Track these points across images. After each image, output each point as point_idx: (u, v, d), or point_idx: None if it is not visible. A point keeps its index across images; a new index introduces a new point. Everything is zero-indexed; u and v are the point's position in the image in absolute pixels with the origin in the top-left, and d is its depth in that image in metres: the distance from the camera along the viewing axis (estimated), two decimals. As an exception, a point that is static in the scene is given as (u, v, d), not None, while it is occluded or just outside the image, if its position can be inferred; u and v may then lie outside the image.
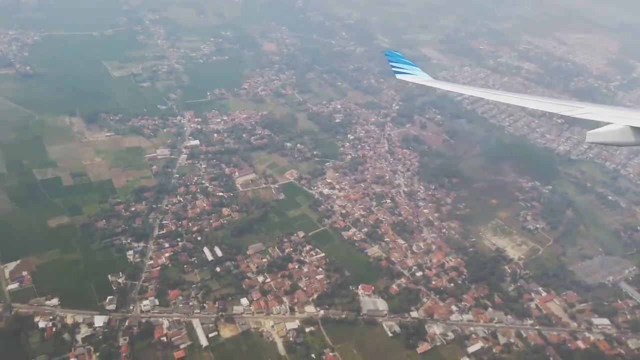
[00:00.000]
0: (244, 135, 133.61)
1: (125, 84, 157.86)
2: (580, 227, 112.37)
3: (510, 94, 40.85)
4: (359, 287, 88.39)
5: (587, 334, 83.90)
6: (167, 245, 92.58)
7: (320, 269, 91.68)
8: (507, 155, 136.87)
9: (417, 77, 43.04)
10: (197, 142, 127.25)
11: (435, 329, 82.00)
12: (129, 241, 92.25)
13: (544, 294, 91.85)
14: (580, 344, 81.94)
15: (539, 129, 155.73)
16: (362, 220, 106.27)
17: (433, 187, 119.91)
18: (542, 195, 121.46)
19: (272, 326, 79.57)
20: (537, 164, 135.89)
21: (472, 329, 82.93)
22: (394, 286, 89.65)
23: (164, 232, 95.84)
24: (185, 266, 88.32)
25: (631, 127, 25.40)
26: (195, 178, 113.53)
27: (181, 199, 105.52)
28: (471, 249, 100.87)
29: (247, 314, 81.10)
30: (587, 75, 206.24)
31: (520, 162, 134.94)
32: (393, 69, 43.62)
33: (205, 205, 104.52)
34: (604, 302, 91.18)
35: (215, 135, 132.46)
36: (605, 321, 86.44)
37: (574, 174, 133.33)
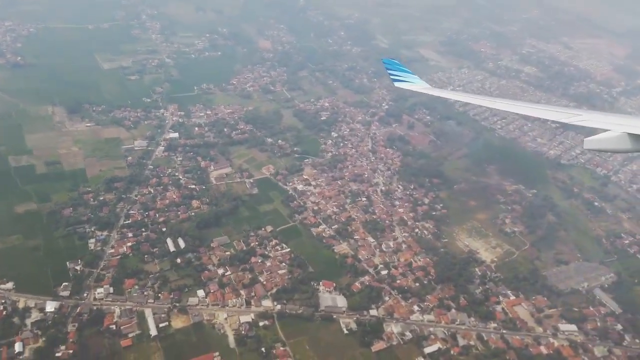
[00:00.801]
0: (225, 130, 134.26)
1: (114, 77, 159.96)
2: (560, 232, 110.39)
3: (509, 102, 40.44)
4: (320, 283, 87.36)
5: (551, 340, 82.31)
6: (130, 235, 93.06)
7: (284, 264, 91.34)
8: (494, 158, 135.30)
9: (415, 84, 43.77)
10: (176, 134, 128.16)
11: (394, 328, 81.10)
12: (92, 229, 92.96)
13: (512, 297, 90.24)
14: (543, 349, 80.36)
15: (531, 132, 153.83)
16: (334, 217, 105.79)
17: (412, 187, 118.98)
18: (525, 199, 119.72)
19: (226, 319, 79.44)
20: (524, 168, 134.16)
21: (431, 329, 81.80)
22: (357, 284, 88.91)
23: (129, 222, 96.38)
24: (145, 256, 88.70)
25: (628, 134, 25.71)
26: (169, 170, 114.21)
27: (152, 190, 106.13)
28: (442, 250, 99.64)
29: (202, 305, 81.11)
30: (590, 81, 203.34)
31: (507, 165, 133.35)
32: (391, 77, 44.50)
33: (175, 197, 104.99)
34: (574, 308, 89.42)
35: (196, 128, 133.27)
36: (573, 327, 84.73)
37: (562, 179, 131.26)
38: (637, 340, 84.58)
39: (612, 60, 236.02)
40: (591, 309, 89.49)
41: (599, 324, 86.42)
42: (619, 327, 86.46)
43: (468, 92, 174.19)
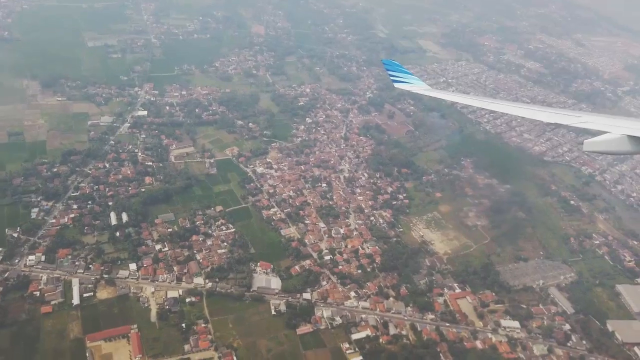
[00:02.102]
0: (197, 110, 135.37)
1: (96, 54, 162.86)
2: (527, 228, 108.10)
3: (509, 104, 42.71)
4: (258, 264, 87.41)
5: (490, 335, 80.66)
6: (75, 206, 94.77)
7: (226, 243, 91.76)
8: (472, 152, 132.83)
9: (415, 86, 44.53)
10: (145, 112, 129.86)
11: (324, 313, 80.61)
12: (39, 199, 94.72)
13: (458, 290, 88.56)
14: (479, 344, 78.92)
15: (519, 128, 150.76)
16: (289, 201, 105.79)
17: (378, 176, 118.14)
18: (496, 194, 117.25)
19: (152, 293, 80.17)
20: (503, 163, 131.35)
21: (364, 316, 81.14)
22: (297, 267, 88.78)
23: (77, 194, 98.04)
24: (86, 228, 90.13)
25: (628, 136, 26.39)
26: (130, 146, 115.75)
27: (107, 165, 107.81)
28: (394, 239, 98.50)
29: (131, 278, 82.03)
30: (595, 79, 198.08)
31: (484, 159, 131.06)
32: (391, 77, 45.31)
33: (129, 172, 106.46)
34: (522, 305, 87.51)
35: (167, 107, 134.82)
36: (515, 324, 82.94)
37: (541, 176, 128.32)
38: (583, 342, 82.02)
39: (626, 59, 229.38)
40: (541, 307, 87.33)
41: (545, 322, 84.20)
42: (567, 327, 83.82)
43: (462, 86, 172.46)
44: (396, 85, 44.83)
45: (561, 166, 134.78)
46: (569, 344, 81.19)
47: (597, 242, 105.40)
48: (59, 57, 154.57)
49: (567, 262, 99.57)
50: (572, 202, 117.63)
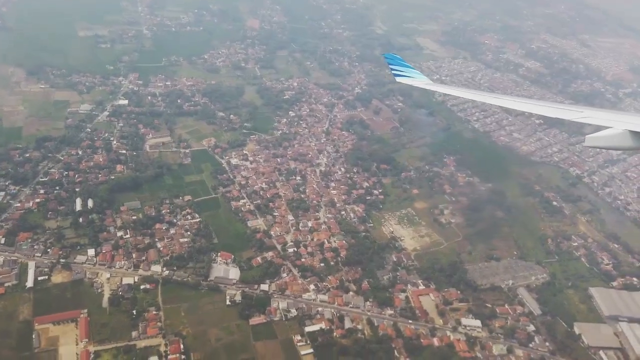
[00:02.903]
0: (179, 101, 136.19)
1: (86, 44, 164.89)
2: (504, 228, 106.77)
3: (511, 98, 40.84)
4: (218, 254, 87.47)
5: (448, 333, 79.56)
6: (42, 191, 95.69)
7: (189, 232, 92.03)
8: (457, 149, 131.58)
9: (416, 80, 44.80)
10: (126, 102, 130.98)
11: (280, 304, 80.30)
12: (6, 183, 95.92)
13: (421, 287, 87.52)
14: (436, 341, 78.10)
15: (510, 127, 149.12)
16: (260, 192, 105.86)
17: (355, 170, 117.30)
18: (476, 192, 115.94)
19: (108, 279, 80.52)
20: (487, 161, 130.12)
21: (320, 309, 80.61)
22: (259, 258, 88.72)
23: (45, 179, 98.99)
24: (50, 213, 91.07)
25: (630, 131, 26.42)
26: (106, 134, 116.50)
27: (80, 152, 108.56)
28: (363, 234, 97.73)
29: (88, 264, 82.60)
30: (597, 79, 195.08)
31: (469, 157, 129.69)
32: (393, 72, 45.34)
33: (101, 160, 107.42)
34: (486, 304, 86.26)
35: (149, 97, 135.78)
36: (477, 323, 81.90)
37: (526, 176, 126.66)
38: (547, 343, 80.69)
39: (632, 60, 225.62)
40: (507, 307, 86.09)
41: (508, 322, 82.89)
42: (532, 328, 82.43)
43: (455, 84, 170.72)
44: (398, 79, 44.84)
45: (549, 167, 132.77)
46: (531, 345, 79.56)
47: (576, 244, 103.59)
48: (49, 46, 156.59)
49: (541, 263, 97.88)
50: (554, 203, 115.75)
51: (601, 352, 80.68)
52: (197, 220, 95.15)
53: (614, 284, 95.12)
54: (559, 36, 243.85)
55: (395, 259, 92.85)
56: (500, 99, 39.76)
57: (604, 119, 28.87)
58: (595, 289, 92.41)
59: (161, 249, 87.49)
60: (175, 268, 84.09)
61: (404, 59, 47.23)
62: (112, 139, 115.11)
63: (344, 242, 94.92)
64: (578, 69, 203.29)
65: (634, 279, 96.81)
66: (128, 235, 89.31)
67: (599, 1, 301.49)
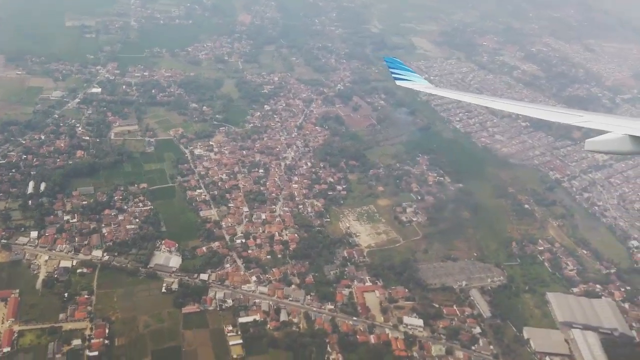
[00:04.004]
0: (153, 91, 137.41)
1: (71, 34, 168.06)
2: (468, 229, 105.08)
3: (511, 102, 42.55)
4: (162, 242, 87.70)
5: (387, 331, 78.36)
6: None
7: (137, 220, 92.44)
8: (433, 149, 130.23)
9: (416, 83, 45.80)
10: (99, 90, 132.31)
11: (217, 294, 79.96)
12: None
13: (368, 284, 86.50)
14: (373, 338, 76.99)
15: (493, 128, 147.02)
16: (218, 183, 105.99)
17: (322, 166, 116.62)
18: (445, 192, 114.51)
19: (46, 261, 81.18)
20: (462, 162, 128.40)
21: (257, 301, 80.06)
22: (204, 248, 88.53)
23: (3, 162, 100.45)
24: (0, 194, 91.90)
25: (630, 136, 26.69)
26: (73, 121, 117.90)
27: (43, 137, 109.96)
28: (317, 228, 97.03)
29: (30, 245, 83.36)
30: (596, 84, 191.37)
31: (444, 157, 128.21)
32: (393, 75, 46.25)
33: (63, 145, 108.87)
34: (434, 304, 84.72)
35: (124, 87, 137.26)
36: (419, 322, 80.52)
37: (502, 177, 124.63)
38: (491, 347, 78.93)
39: (637, 66, 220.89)
40: (455, 308, 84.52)
41: (453, 323, 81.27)
42: (477, 330, 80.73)
43: (443, 84, 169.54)
44: (398, 82, 45.72)
45: (527, 169, 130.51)
46: (473, 348, 77.67)
47: (541, 248, 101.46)
48: (34, 35, 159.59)
49: (500, 265, 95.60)
50: (526, 206, 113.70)
51: (547, 358, 78.26)
52: (148, 208, 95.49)
53: (575, 290, 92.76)
54: (562, 40, 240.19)
55: (346, 255, 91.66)
56: (500, 103, 40.01)
57: (603, 124, 29.12)
58: (553, 294, 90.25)
59: (106, 234, 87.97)
60: (116, 254, 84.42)
61: (403, 62, 48.02)
62: (78, 125, 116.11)
63: (296, 235, 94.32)
64: (577, 73, 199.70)
65: (598, 286, 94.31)
66: (75, 220, 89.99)
67: (612, 7, 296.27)
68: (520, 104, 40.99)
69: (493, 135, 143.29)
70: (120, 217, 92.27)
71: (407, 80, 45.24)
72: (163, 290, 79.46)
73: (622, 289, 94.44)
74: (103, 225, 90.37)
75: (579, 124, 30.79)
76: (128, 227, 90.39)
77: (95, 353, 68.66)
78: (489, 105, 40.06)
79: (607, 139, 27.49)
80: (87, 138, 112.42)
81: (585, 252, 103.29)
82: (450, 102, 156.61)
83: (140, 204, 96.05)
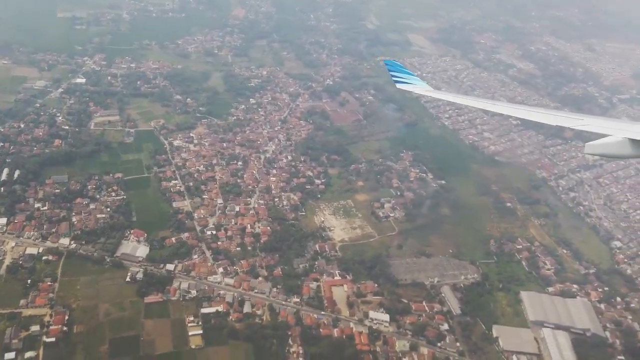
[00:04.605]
0: (138, 83, 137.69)
1: (62, 24, 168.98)
2: (446, 225, 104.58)
3: (511, 105, 42.52)
4: (131, 231, 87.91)
5: (352, 325, 77.98)
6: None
7: (109, 209, 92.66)
8: (418, 145, 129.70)
9: (417, 86, 46.41)
10: (83, 80, 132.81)
11: (182, 285, 80.00)
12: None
13: (337, 277, 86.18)
14: (337, 332, 76.62)
15: (482, 126, 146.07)
16: (195, 175, 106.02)
17: (302, 159, 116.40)
18: (426, 188, 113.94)
19: (12, 247, 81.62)
20: (447, 159, 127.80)
21: (222, 292, 79.98)
22: (173, 239, 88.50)
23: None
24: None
25: (629, 139, 27.37)
26: (54, 110, 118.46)
27: (22, 125, 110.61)
28: (291, 222, 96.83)
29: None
30: (593, 84, 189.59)
31: (428, 153, 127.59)
32: (393, 78, 46.94)
33: (41, 134, 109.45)
34: (402, 300, 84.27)
35: (109, 77, 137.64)
36: (385, 317, 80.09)
37: (486, 175, 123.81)
38: (457, 344, 78.46)
39: (638, 66, 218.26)
40: (424, 304, 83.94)
41: (421, 320, 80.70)
42: (445, 327, 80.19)
43: (436, 81, 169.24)
44: (398, 85, 46.24)
45: (514, 168, 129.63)
46: (439, 344, 77.13)
47: (520, 246, 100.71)
48: (24, 24, 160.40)
49: (475, 263, 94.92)
50: (508, 204, 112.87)
51: (514, 357, 77.77)
52: (121, 197, 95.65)
53: (551, 289, 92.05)
54: (563, 39, 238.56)
55: (317, 249, 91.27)
56: (501, 106, 40.64)
57: (603, 127, 29.54)
58: (527, 293, 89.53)
59: (75, 222, 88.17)
60: (83, 242, 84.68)
61: (403, 65, 48.91)
62: (58, 115, 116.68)
63: (269, 228, 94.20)
64: (575, 72, 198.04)
65: (575, 286, 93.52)
66: (46, 208, 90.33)
67: (617, 7, 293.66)
68: (521, 108, 40.52)
69: (481, 133, 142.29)
70: (92, 206, 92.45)
71: (407, 83, 45.70)
72: (127, 279, 79.57)
73: (600, 290, 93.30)
74: (73, 213, 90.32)
75: (579, 127, 30.99)
76: (98, 216, 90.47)
77: (53, 339, 68.78)
78: (491, 109, 40.46)
79: (607, 142, 28.03)
80: (67, 127, 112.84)
81: (565, 251, 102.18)
82: (440, 99, 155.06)
83: (113, 194, 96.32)
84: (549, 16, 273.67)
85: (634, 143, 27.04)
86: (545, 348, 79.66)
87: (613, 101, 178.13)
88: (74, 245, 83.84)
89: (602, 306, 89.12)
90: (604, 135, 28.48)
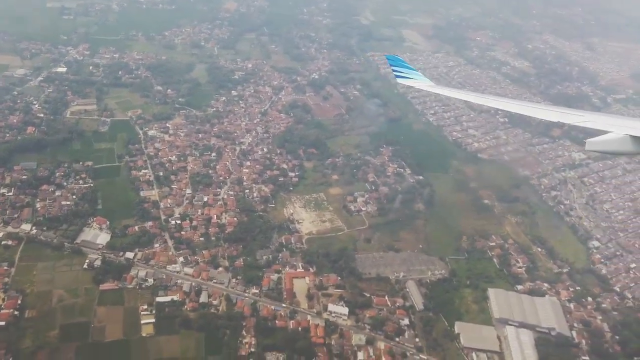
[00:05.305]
0: (120, 73, 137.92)
1: (49, 14, 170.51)
2: (419, 221, 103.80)
3: (511, 101, 43.67)
4: (94, 219, 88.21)
5: (309, 317, 77.68)
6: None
7: (75, 196, 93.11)
8: (399, 140, 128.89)
9: (418, 81, 46.86)
10: (64, 69, 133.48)
11: (140, 273, 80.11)
12: None
13: (300, 270, 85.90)
14: (292, 323, 76.36)
15: (468, 123, 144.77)
16: (166, 165, 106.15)
17: (278, 152, 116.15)
18: (402, 183, 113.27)
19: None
20: (427, 154, 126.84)
21: (180, 282, 79.99)
22: (136, 227, 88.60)
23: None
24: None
25: (630, 136, 27.60)
26: (31, 98, 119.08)
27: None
28: (259, 213, 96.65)
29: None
30: (589, 83, 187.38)
31: (409, 149, 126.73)
32: (395, 73, 47.33)
33: (15, 120, 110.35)
34: (364, 294, 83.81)
35: (91, 67, 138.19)
36: (344, 310, 79.73)
37: (466, 172, 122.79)
38: (416, 339, 77.85)
39: (637, 67, 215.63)
40: (386, 298, 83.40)
41: (381, 314, 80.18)
42: (406, 322, 79.63)
43: (428, 77, 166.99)
44: (399, 80, 46.89)
45: (496, 165, 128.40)
46: (397, 339, 76.59)
47: (493, 244, 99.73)
48: (13, 14, 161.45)
49: (445, 259, 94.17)
50: (486, 201, 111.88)
51: (474, 354, 77.02)
52: (88, 185, 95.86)
53: (520, 287, 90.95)
54: (563, 38, 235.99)
55: (283, 241, 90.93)
56: (502, 102, 40.85)
57: (604, 124, 29.75)
58: (494, 290, 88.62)
59: (39, 209, 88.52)
60: (45, 228, 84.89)
61: (405, 61, 48.83)
62: (35, 102, 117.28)
63: (235, 219, 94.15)
64: (571, 71, 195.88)
65: (545, 284, 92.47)
66: (11, 194, 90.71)
67: (621, 6, 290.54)
68: (522, 104, 42.04)
69: (466, 130, 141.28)
70: (58, 193, 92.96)
71: (408, 78, 45.90)
72: (85, 266, 79.78)
73: (571, 289, 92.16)
74: (38, 200, 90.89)
75: (579, 123, 31.09)
76: (63, 203, 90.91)
77: (2, 323, 69.10)
78: (491, 104, 41.04)
79: (607, 139, 28.14)
80: (42, 115, 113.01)
81: (540, 250, 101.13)
82: (428, 95, 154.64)
83: (81, 182, 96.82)
84: (550, 14, 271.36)
85: (635, 140, 27.09)
86: (507, 346, 78.53)
87: (607, 101, 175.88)
88: (35, 231, 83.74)
89: (572, 306, 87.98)
90: (604, 132, 28.57)
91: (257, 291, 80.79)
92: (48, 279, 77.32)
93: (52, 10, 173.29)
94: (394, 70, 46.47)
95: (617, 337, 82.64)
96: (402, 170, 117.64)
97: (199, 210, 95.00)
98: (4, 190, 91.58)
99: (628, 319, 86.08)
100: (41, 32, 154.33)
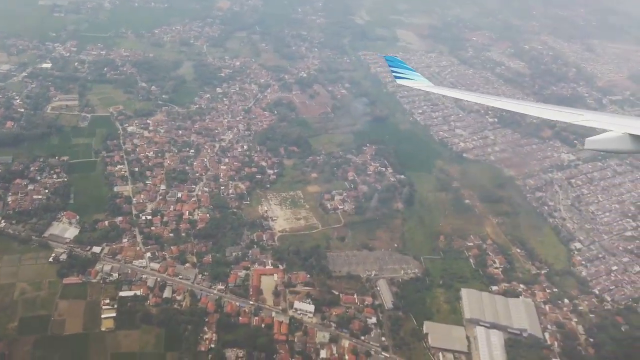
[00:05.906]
0: (105, 69, 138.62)
1: (40, 11, 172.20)
2: (396, 220, 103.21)
3: (511, 101, 43.66)
4: (64, 213, 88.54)
5: (273, 314, 77.36)
6: None
7: (47, 190, 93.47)
8: (383, 139, 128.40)
9: (417, 82, 47.27)
10: (49, 65, 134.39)
11: (105, 267, 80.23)
12: None
13: (269, 267, 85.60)
14: (256, 320, 76.09)
15: (456, 122, 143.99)
16: (143, 160, 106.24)
17: (258, 149, 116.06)
18: (382, 182, 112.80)
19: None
20: (411, 154, 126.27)
21: (144, 277, 80.00)
22: (106, 222, 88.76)
23: None
24: None
25: (629, 134, 27.87)
26: (13, 93, 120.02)
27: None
28: (233, 210, 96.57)
29: None
30: (585, 84, 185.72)
31: (392, 148, 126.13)
32: (393, 73, 47.81)
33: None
34: (333, 291, 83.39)
35: (76, 63, 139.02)
36: (310, 308, 79.28)
37: (449, 172, 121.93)
38: (383, 338, 77.31)
39: (636, 68, 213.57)
40: (355, 296, 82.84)
41: (348, 312, 79.66)
42: (373, 320, 79.07)
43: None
44: (398, 81, 47.05)
45: (481, 165, 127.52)
46: (362, 338, 75.99)
47: (471, 244, 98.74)
48: (3, 10, 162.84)
49: (419, 258, 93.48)
50: (467, 201, 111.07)
51: (441, 354, 76.28)
52: (62, 180, 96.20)
53: (495, 288, 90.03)
54: (562, 39, 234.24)
55: (254, 238, 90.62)
56: (500, 101, 40.96)
57: (604, 122, 29.94)
58: (467, 290, 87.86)
59: (10, 202, 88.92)
60: (14, 222, 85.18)
61: (404, 61, 48.79)
62: (17, 97, 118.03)
63: (208, 215, 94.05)
64: (567, 72, 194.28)
65: (521, 285, 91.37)
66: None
67: (625, 7, 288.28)
68: (521, 103, 41.90)
69: (453, 130, 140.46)
70: (30, 187, 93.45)
71: (407, 78, 46.19)
72: (50, 260, 79.84)
73: (548, 291, 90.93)
74: (10, 193, 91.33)
75: (579, 122, 31.22)
76: (35, 197, 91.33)
77: (-39, 315, 68.77)
78: (489, 103, 41.28)
79: (607, 137, 28.29)
80: (22, 110, 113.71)
81: (519, 251, 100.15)
82: (417, 94, 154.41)
83: (55, 176, 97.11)
84: (551, 15, 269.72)
85: (635, 138, 27.25)
86: (475, 347, 77.73)
87: (603, 102, 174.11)
88: (3, 225, 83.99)
89: (547, 307, 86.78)
90: (601, 131, 28.68)
91: (223, 287, 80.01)
92: (12, 272, 77.53)
93: (44, 7, 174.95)
94: (392, 71, 46.83)
95: (592, 339, 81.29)
96: (383, 169, 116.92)
97: (172, 207, 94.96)
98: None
99: (605, 322, 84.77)
100: (30, 29, 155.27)
